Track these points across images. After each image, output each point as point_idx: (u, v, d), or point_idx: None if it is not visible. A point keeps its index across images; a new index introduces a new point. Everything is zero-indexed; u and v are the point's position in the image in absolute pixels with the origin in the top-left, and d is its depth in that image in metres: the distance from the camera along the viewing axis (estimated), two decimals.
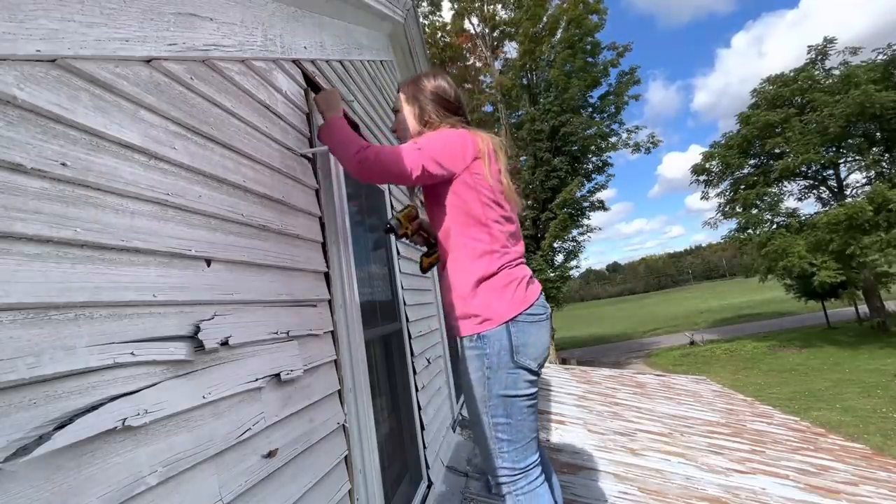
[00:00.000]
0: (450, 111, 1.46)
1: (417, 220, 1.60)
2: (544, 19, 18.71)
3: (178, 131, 0.89)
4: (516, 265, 1.36)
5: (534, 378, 1.31)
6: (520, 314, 1.28)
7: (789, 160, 17.97)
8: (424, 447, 2.36)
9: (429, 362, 2.86)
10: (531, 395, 1.31)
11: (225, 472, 0.86)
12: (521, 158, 18.81)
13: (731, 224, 20.66)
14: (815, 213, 18.85)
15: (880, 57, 17.19)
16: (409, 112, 1.50)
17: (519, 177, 17.82)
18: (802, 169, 18.98)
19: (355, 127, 1.61)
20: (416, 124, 1.48)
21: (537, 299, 1.34)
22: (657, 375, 7.55)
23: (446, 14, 20.04)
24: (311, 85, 1.63)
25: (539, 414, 3.85)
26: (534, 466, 1.33)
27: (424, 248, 1.68)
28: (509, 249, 1.35)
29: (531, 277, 1.39)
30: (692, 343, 22.87)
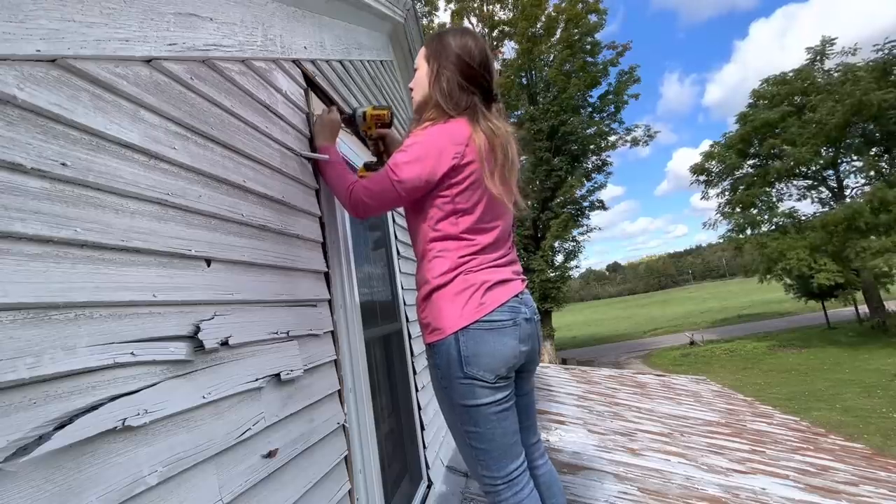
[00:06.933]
0: (470, 81, 1.30)
1: (386, 128, 1.58)
2: (542, 19, 18.72)
3: (178, 131, 0.88)
4: (480, 269, 1.25)
5: (496, 385, 1.22)
6: (473, 323, 1.19)
7: (787, 160, 17.98)
8: (424, 447, 2.36)
9: None
10: (497, 401, 1.22)
11: (225, 473, 0.86)
12: (521, 158, 18.82)
13: (731, 224, 20.67)
14: (815, 214, 18.85)
15: (878, 54, 17.18)
16: (425, 73, 1.37)
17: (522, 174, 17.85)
18: (801, 169, 18.99)
19: (350, 120, 1.62)
20: (427, 90, 1.35)
21: (502, 304, 1.23)
22: (657, 375, 7.55)
23: (443, 15, 20.07)
24: (311, 85, 1.63)
25: (539, 414, 3.83)
26: (519, 474, 1.27)
27: (374, 159, 1.65)
28: (475, 257, 1.25)
29: (500, 282, 1.26)
30: (692, 343, 22.89)
